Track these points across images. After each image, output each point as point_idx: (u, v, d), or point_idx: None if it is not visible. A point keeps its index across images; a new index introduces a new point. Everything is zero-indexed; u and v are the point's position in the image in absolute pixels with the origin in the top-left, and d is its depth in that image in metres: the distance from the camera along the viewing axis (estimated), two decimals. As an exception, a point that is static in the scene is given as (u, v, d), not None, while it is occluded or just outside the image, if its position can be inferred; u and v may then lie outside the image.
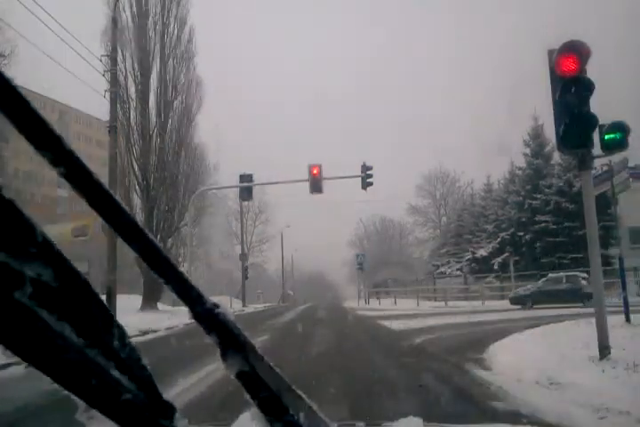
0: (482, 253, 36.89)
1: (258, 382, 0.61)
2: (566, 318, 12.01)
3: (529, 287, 24.96)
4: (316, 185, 22.22)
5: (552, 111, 6.27)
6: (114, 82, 15.78)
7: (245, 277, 41.02)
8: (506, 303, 27.10)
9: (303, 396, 0.67)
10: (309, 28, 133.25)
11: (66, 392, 0.48)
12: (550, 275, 25.28)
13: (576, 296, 21.79)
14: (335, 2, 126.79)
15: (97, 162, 68.54)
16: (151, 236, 0.55)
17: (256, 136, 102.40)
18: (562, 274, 24.85)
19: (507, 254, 31.86)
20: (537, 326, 10.85)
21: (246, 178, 25.45)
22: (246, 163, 73.90)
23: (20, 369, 7.38)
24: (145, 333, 13.30)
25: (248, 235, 57.48)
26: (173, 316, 21.63)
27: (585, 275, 22.98)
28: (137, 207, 26.37)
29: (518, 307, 23.18)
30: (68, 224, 38.35)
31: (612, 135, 6.65)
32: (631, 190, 10.47)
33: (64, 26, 13.32)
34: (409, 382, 5.89)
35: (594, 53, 5.83)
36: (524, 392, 4.96)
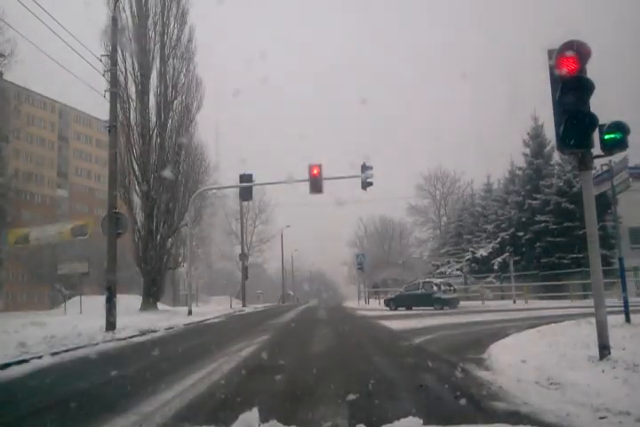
0: (482, 253, 36.88)
1: None
2: (566, 318, 12.02)
3: (396, 292, 28.15)
4: (315, 185, 22.19)
5: (552, 111, 6.27)
6: (114, 82, 15.76)
7: (245, 277, 41.00)
8: (507, 303, 27.13)
9: None
10: (309, 28, 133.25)
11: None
12: (414, 281, 28.66)
13: (429, 300, 24.33)
14: (336, 1, 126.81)
15: (97, 162, 68.73)
16: None
17: (256, 136, 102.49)
18: (419, 280, 27.99)
19: (507, 254, 31.85)
20: (537, 325, 10.85)
21: (246, 178, 25.42)
22: (246, 163, 73.81)
23: (20, 369, 7.39)
24: (144, 333, 13.36)
25: (248, 235, 57.56)
26: (173, 316, 21.65)
27: (439, 281, 26.09)
28: (137, 207, 26.32)
29: (387, 308, 26.20)
30: (67, 224, 38.48)
31: (611, 135, 6.65)
32: (631, 190, 10.46)
33: (64, 26, 13.30)
34: (409, 382, 5.89)
35: (594, 53, 5.83)
36: (524, 392, 4.96)
